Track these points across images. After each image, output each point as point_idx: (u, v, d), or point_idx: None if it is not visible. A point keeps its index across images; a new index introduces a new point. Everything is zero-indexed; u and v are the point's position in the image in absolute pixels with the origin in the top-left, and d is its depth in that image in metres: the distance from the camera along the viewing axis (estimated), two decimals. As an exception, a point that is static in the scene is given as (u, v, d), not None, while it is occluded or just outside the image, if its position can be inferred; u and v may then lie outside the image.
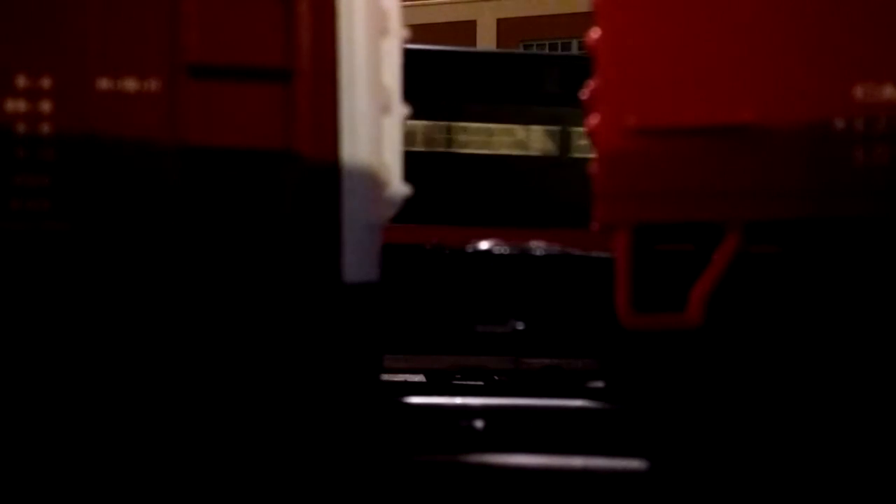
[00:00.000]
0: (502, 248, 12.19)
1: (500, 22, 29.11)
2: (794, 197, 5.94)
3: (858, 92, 5.86)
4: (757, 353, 6.16)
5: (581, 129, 10.42)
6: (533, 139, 13.18)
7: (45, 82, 5.95)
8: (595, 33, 6.30)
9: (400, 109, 6.88)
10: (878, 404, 6.00)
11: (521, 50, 28.59)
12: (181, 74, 6.01)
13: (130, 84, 6.00)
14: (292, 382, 6.13)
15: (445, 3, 29.31)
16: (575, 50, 27.76)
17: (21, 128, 5.94)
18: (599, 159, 6.25)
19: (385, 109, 6.54)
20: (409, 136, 8.80)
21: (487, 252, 12.21)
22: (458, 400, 7.12)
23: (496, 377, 12.60)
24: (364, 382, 6.57)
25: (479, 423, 6.74)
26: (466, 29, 29.26)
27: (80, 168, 5.96)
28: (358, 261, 6.16)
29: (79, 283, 5.97)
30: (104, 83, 5.98)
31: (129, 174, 5.99)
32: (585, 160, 7.61)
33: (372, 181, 6.27)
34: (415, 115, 7.25)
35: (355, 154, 6.16)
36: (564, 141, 12.90)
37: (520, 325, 12.04)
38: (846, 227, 6.00)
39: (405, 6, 7.01)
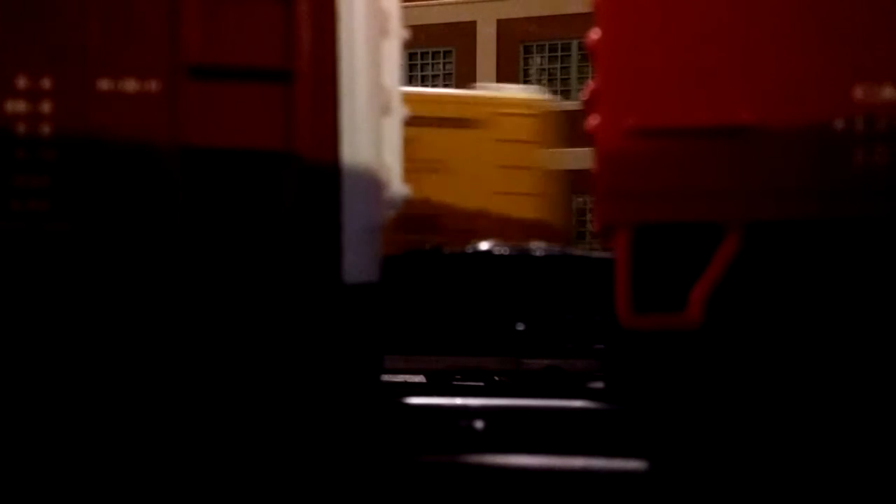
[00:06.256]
0: (502, 249, 12.19)
1: (500, 22, 29.06)
2: (794, 197, 5.94)
3: (858, 92, 5.86)
4: (757, 353, 6.16)
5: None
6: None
7: (46, 83, 5.95)
8: (595, 33, 6.30)
9: (400, 110, 6.88)
10: (879, 404, 6.00)
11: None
12: (181, 75, 6.01)
13: (130, 85, 6.00)
14: (292, 383, 6.13)
15: (445, 4, 29.27)
16: (575, 50, 27.76)
17: (21, 128, 5.94)
18: (599, 159, 6.25)
19: (385, 110, 6.55)
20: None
21: (487, 253, 12.20)
22: (458, 400, 7.11)
23: (496, 378, 12.60)
24: (364, 383, 6.57)
25: (479, 424, 6.73)
26: (466, 29, 29.23)
27: (80, 169, 5.96)
28: (358, 261, 6.16)
29: (79, 284, 5.97)
30: (104, 84, 5.99)
31: (130, 175, 5.99)
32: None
33: (372, 182, 6.27)
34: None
35: (355, 155, 6.16)
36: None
37: (520, 326, 12.03)
38: (846, 228, 6.00)
39: (405, 6, 7.01)
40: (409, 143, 7.06)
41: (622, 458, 6.36)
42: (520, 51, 29.04)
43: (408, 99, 7.25)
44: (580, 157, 12.50)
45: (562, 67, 28.63)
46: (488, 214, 14.22)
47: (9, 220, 5.92)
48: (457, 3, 29.44)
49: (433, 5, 28.89)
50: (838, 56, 5.89)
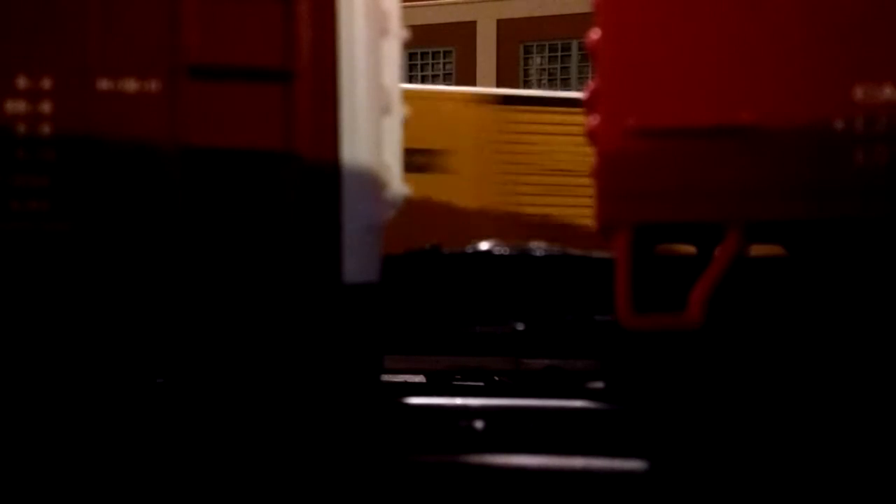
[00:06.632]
0: (502, 249, 12.17)
1: (500, 23, 29.07)
2: (794, 197, 5.94)
3: (858, 92, 5.86)
4: (757, 353, 6.16)
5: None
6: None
7: (46, 83, 5.95)
8: (595, 33, 6.31)
9: (400, 110, 6.88)
10: (878, 404, 6.00)
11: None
12: (181, 75, 6.01)
13: (130, 84, 6.00)
14: (292, 383, 6.13)
15: (445, 4, 29.26)
16: (575, 50, 27.76)
17: (21, 128, 5.95)
18: (599, 159, 6.25)
19: (385, 110, 6.54)
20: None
21: (487, 253, 12.18)
22: (457, 400, 7.11)
23: (496, 378, 12.58)
24: (364, 383, 6.57)
25: (479, 424, 6.73)
26: (466, 29, 29.24)
27: (80, 168, 5.96)
28: (358, 262, 6.16)
29: (79, 284, 5.97)
30: (104, 83, 5.99)
31: (130, 175, 5.99)
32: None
33: (372, 182, 6.27)
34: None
35: (355, 154, 6.16)
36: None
37: (520, 326, 12.02)
38: (846, 228, 6.00)
39: (405, 6, 7.00)
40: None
41: (622, 458, 6.36)
42: (520, 51, 29.05)
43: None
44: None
45: (562, 67, 28.63)
46: None
47: (9, 220, 5.92)
48: (457, 3, 29.45)
49: (433, 5, 28.89)
50: (838, 56, 5.88)
